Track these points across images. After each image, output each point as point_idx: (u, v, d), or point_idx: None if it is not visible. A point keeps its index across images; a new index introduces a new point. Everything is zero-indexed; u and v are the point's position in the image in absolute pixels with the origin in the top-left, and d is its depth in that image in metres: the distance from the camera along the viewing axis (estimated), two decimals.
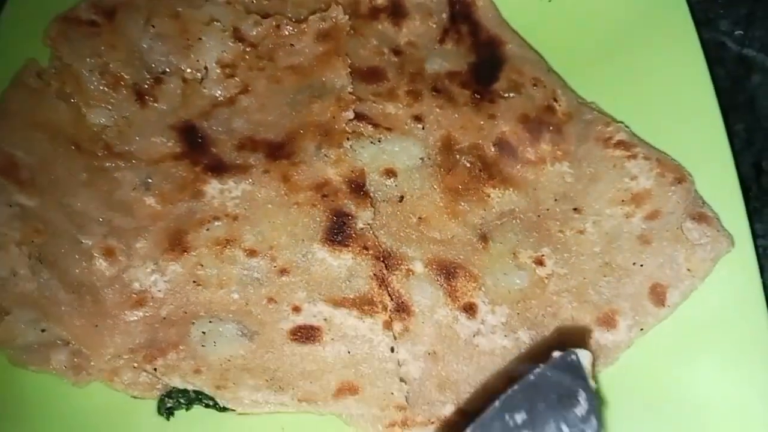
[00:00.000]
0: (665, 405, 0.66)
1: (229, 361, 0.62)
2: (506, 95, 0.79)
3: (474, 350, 0.67)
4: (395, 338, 0.66)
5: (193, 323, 0.65)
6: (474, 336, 0.68)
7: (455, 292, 0.68)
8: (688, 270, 0.68)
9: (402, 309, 0.67)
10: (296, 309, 0.65)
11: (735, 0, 1.02)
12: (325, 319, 0.65)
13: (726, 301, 0.68)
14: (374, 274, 0.67)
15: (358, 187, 0.70)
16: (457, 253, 0.70)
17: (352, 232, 0.68)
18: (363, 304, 0.66)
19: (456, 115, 0.77)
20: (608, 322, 0.68)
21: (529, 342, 0.68)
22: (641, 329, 0.67)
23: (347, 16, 0.79)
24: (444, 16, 0.84)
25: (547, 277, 0.71)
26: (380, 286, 0.67)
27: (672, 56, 0.80)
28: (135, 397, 0.63)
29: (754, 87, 0.97)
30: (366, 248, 0.68)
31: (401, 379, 0.64)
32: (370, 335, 0.65)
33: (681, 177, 0.72)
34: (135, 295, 0.66)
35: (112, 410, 0.63)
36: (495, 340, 0.67)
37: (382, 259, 0.68)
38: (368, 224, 0.69)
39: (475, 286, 0.69)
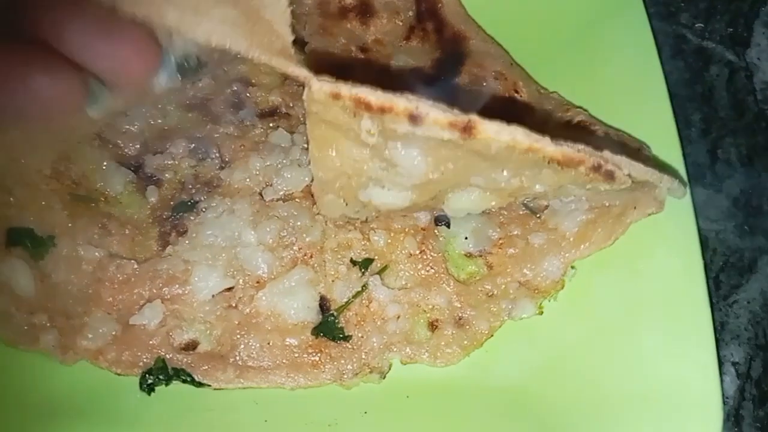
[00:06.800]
0: (611, 372, 0.70)
1: None
2: (468, 89, 0.84)
3: None
4: None
5: None
6: None
7: None
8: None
9: None
10: None
11: None
12: None
13: (670, 280, 0.73)
14: None
15: None
16: None
17: None
18: None
19: None
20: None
21: None
22: None
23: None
24: (411, 14, 0.88)
25: None
26: None
27: (625, 46, 0.84)
28: (118, 374, 0.68)
29: (712, 78, 1.01)
30: None
31: None
32: None
33: (638, 147, 0.77)
34: None
35: (98, 387, 0.68)
36: None
37: None
38: None
39: None
